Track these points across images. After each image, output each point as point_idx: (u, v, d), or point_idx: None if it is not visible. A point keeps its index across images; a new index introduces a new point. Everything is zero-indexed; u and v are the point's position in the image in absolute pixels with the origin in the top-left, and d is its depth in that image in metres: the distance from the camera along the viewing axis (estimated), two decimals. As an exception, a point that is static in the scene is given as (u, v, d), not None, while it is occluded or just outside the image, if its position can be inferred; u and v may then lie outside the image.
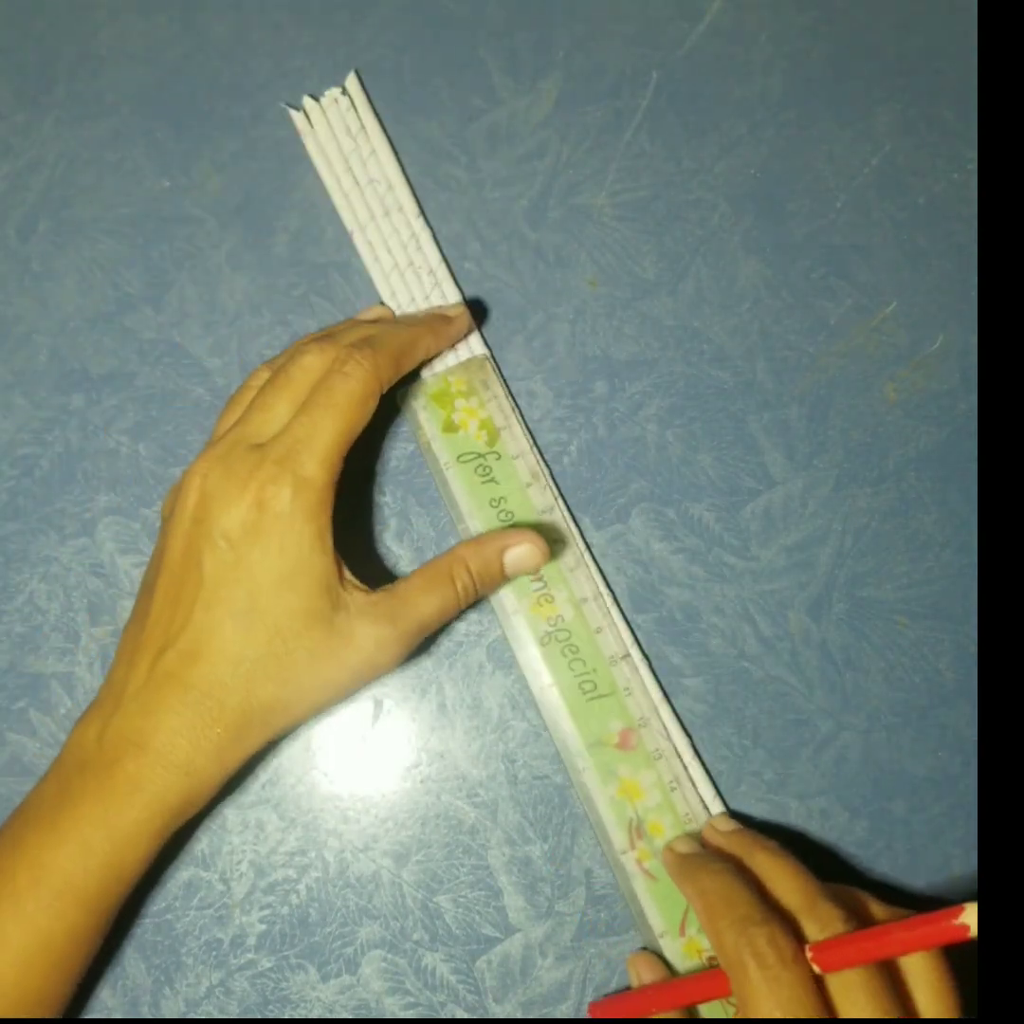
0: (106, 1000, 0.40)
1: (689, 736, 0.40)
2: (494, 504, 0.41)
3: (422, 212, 0.43)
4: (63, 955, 0.34)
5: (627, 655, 0.40)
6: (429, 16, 0.45)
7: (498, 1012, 0.40)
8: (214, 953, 0.40)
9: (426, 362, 0.41)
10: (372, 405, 0.36)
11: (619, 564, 0.42)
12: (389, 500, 0.42)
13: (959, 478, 0.42)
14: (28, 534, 0.42)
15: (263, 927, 0.40)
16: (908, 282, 0.43)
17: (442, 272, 0.42)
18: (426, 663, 0.41)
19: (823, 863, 0.40)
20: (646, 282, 0.43)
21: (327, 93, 0.43)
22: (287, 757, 0.41)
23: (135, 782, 0.34)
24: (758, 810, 0.41)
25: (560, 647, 0.40)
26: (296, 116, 0.43)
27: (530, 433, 0.42)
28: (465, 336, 0.42)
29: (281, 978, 0.40)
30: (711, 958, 0.38)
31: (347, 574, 0.36)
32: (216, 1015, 0.40)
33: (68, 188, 0.44)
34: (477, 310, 0.43)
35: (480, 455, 0.41)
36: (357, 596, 0.36)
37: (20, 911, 0.34)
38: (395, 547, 0.42)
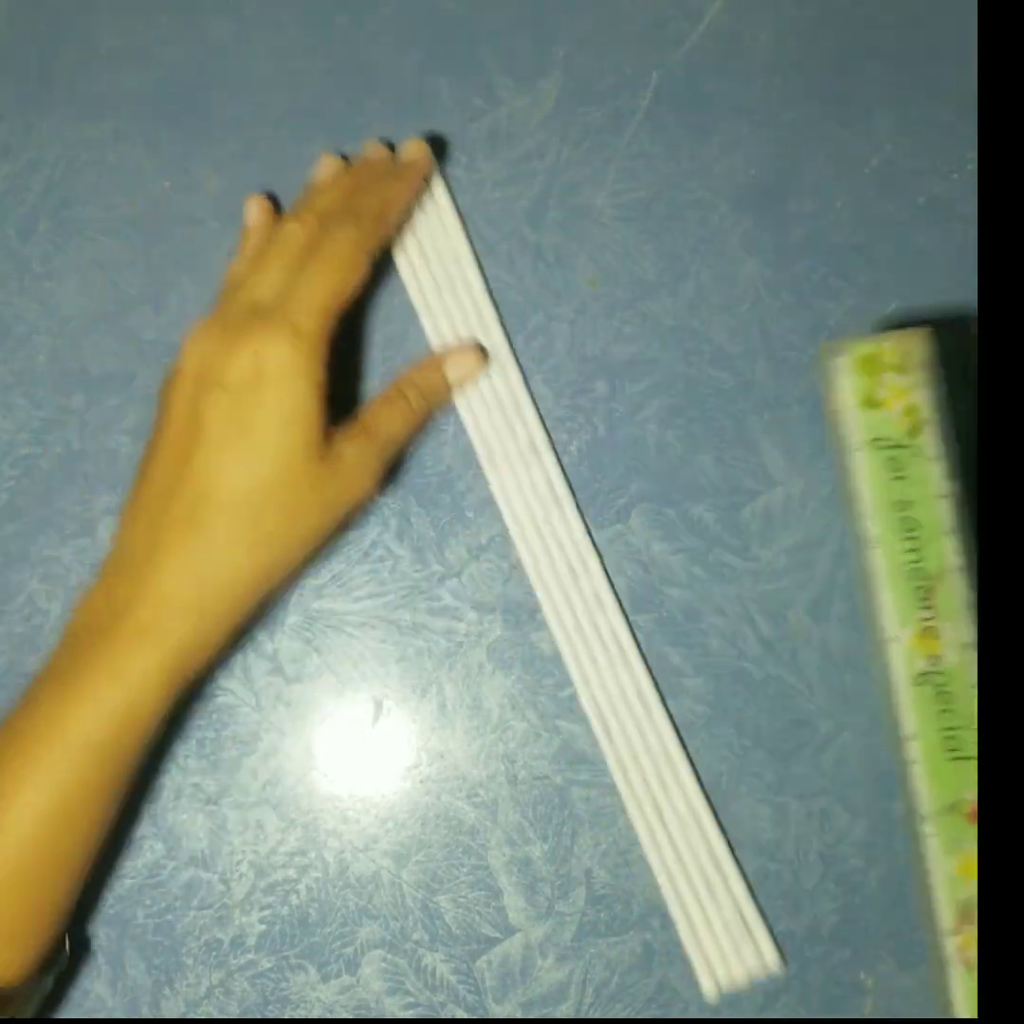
0: (106, 1000, 0.40)
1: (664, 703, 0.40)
2: (898, 508, 0.36)
3: (488, 288, 0.43)
4: (80, 809, 0.35)
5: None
6: (429, 16, 0.45)
7: (498, 1012, 0.40)
8: (214, 953, 0.40)
9: (408, 212, 0.42)
10: (362, 264, 0.38)
11: (619, 564, 0.42)
12: (389, 500, 0.42)
13: (958, 478, 0.42)
14: (28, 534, 0.42)
15: (263, 927, 0.40)
16: (908, 282, 0.43)
17: (522, 394, 0.42)
18: (426, 663, 0.41)
19: (824, 863, 0.40)
20: (646, 282, 0.43)
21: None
22: (287, 757, 0.41)
23: (142, 626, 0.35)
24: (758, 810, 0.41)
25: (934, 691, 0.35)
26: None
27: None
28: (431, 173, 0.42)
29: (281, 978, 0.40)
30: None
31: (329, 416, 0.38)
32: (216, 1015, 0.40)
33: (68, 188, 0.44)
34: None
35: (899, 445, 0.36)
36: (339, 429, 0.38)
37: (36, 768, 0.34)
38: (395, 547, 0.42)
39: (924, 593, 0.35)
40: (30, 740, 0.34)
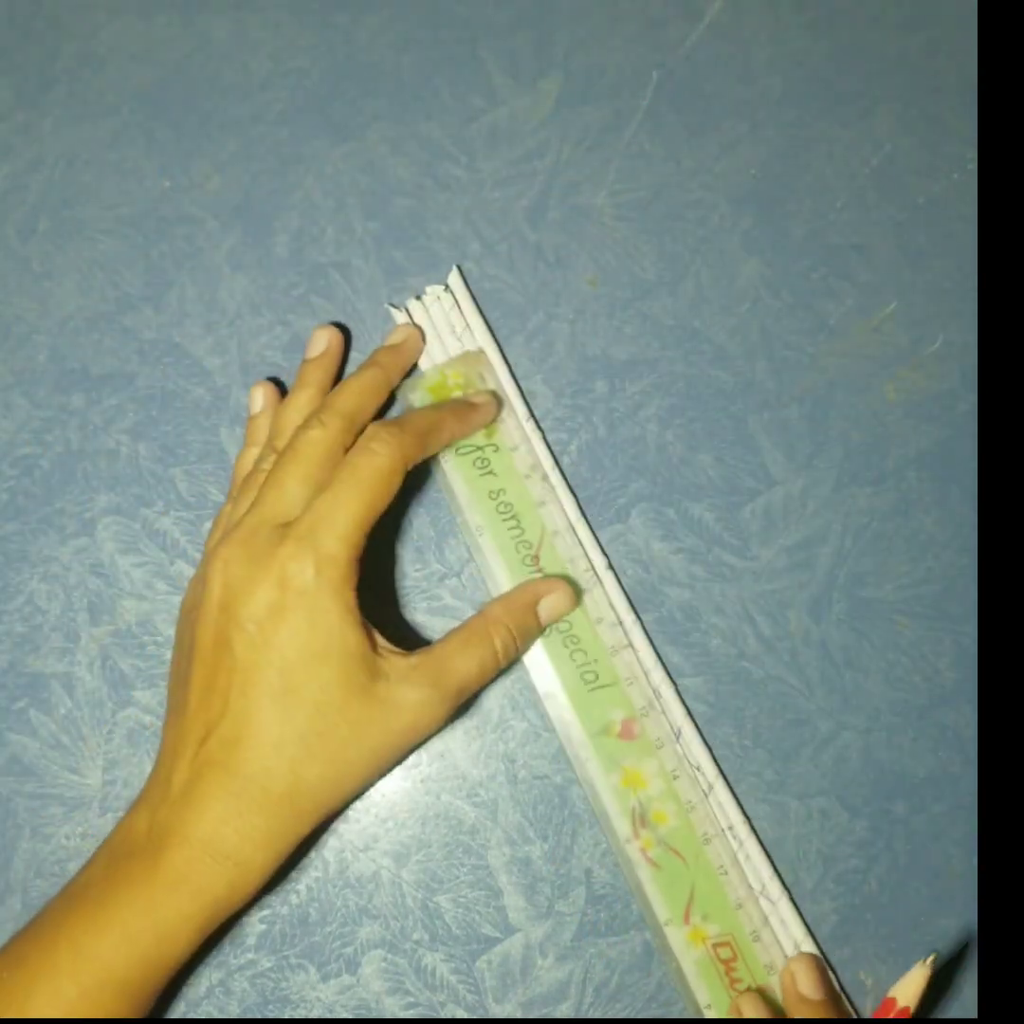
0: (106, 1000, 0.40)
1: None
2: (493, 496, 0.41)
3: (532, 415, 0.42)
4: None
5: (628, 645, 0.40)
6: (429, 16, 0.45)
7: (498, 1012, 0.40)
8: (214, 953, 0.40)
9: (449, 446, 0.40)
10: (397, 483, 0.36)
11: (619, 564, 0.42)
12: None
13: (959, 478, 0.42)
14: (28, 534, 0.42)
15: (263, 927, 0.40)
16: (908, 282, 0.43)
17: (555, 477, 0.42)
18: (426, 663, 0.41)
19: (824, 863, 0.40)
20: (646, 282, 0.43)
21: (428, 290, 0.42)
22: (287, 757, 0.41)
23: (181, 873, 0.34)
24: (758, 810, 0.41)
25: (561, 638, 0.40)
26: (399, 316, 0.42)
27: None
28: (492, 420, 0.41)
29: (281, 978, 0.40)
30: (714, 944, 0.38)
31: (380, 641, 0.36)
32: (216, 1015, 0.40)
33: (68, 188, 0.44)
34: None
35: (478, 447, 0.41)
36: (395, 661, 0.36)
37: (59, 994, 0.33)
38: (395, 547, 0.42)
39: (531, 559, 0.40)
40: (56, 963, 0.33)
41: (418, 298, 0.42)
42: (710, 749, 0.40)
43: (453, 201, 0.44)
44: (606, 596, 0.41)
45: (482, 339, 0.42)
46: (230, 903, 0.35)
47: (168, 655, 0.41)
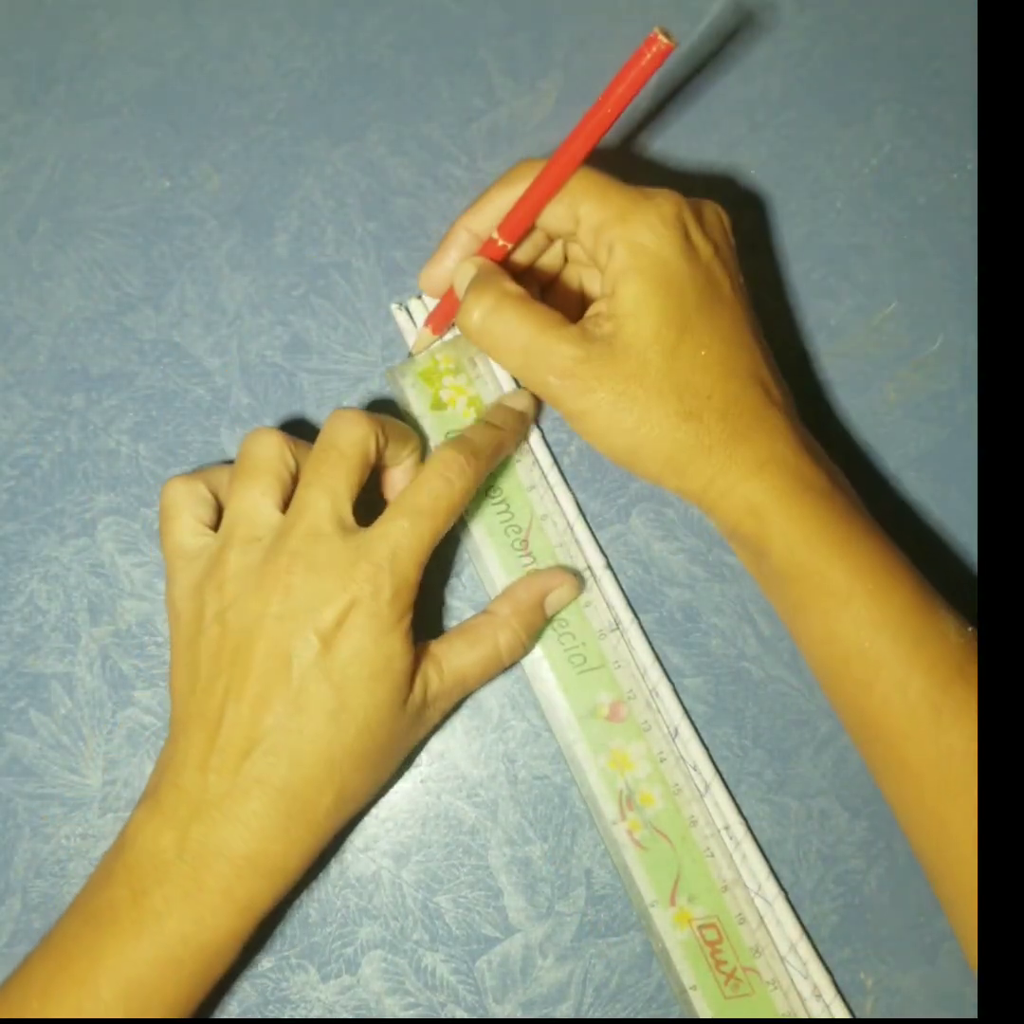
0: (106, 1000, 0.40)
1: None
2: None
3: (538, 426, 0.42)
4: None
5: (616, 628, 0.40)
6: (429, 16, 0.45)
7: (498, 1012, 0.40)
8: (214, 953, 0.40)
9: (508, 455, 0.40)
10: (463, 509, 0.36)
11: (619, 564, 0.42)
12: (389, 500, 0.42)
13: (959, 478, 0.42)
14: (28, 534, 0.42)
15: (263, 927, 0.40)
16: (908, 282, 0.43)
17: (554, 475, 0.42)
18: (426, 663, 0.41)
19: (824, 863, 0.40)
20: (646, 282, 0.43)
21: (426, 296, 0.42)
22: (287, 757, 0.41)
23: (227, 894, 0.33)
24: (758, 810, 0.41)
25: (550, 622, 0.40)
26: (400, 316, 0.42)
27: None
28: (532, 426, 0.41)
29: (281, 978, 0.40)
30: (699, 926, 0.38)
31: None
32: (216, 1015, 0.40)
33: (68, 188, 0.44)
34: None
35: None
36: (430, 678, 0.36)
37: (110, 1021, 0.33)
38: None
39: (520, 543, 0.41)
40: (100, 995, 0.33)
41: (419, 298, 0.42)
42: (707, 749, 0.40)
43: (453, 201, 0.44)
44: (595, 578, 0.41)
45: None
46: (270, 910, 0.35)
47: (169, 656, 0.41)
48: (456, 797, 0.41)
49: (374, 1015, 0.40)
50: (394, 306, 0.43)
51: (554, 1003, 0.40)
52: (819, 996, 0.39)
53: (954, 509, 0.42)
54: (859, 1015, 0.40)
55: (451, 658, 0.37)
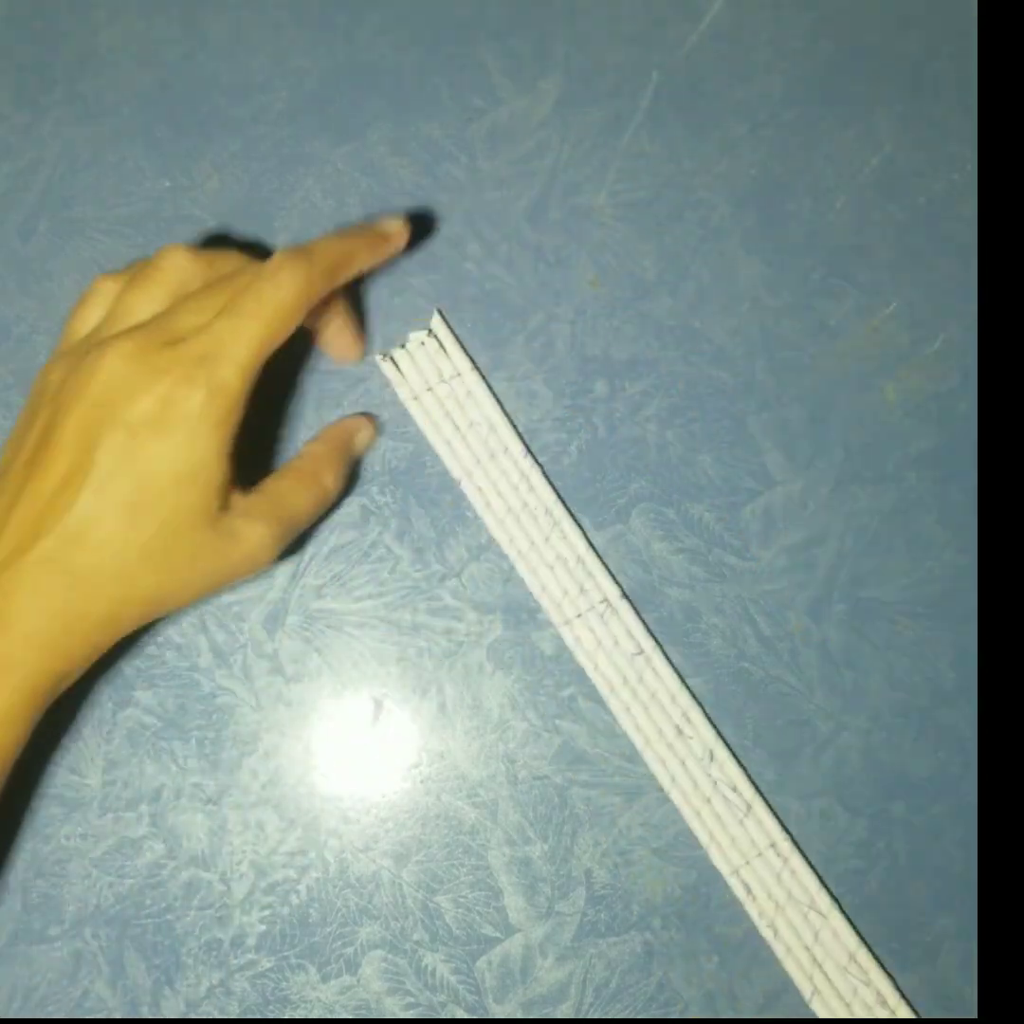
0: (106, 1000, 0.40)
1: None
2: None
3: (530, 451, 0.42)
4: None
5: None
6: (429, 16, 0.45)
7: (498, 1012, 0.40)
8: (214, 953, 0.40)
9: (359, 277, 0.39)
10: (300, 316, 0.35)
11: (619, 564, 0.42)
12: (389, 500, 0.42)
13: (959, 478, 0.42)
14: (28, 534, 0.42)
15: (263, 927, 0.40)
16: (908, 282, 0.43)
17: (559, 511, 0.41)
18: (426, 663, 0.41)
19: (824, 863, 0.40)
20: (646, 282, 0.43)
21: (411, 337, 0.42)
22: (287, 757, 0.41)
23: (5, 663, 0.33)
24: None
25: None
26: (386, 367, 0.42)
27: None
28: (402, 251, 0.40)
29: (281, 978, 0.40)
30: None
31: (233, 476, 0.36)
32: (216, 1015, 0.40)
33: (68, 188, 0.44)
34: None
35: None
36: (238, 497, 0.36)
37: None
38: (395, 547, 0.42)
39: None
40: None
41: (403, 347, 0.42)
42: (745, 768, 0.40)
43: (453, 201, 0.44)
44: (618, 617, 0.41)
45: (471, 383, 0.42)
46: (54, 692, 0.35)
47: (169, 656, 0.41)
48: (456, 797, 0.41)
49: (374, 1015, 0.40)
50: (378, 357, 0.42)
51: (554, 1003, 0.40)
52: (884, 1003, 0.39)
53: (954, 509, 0.42)
54: (856, 1016, 0.40)
55: (283, 493, 0.37)
